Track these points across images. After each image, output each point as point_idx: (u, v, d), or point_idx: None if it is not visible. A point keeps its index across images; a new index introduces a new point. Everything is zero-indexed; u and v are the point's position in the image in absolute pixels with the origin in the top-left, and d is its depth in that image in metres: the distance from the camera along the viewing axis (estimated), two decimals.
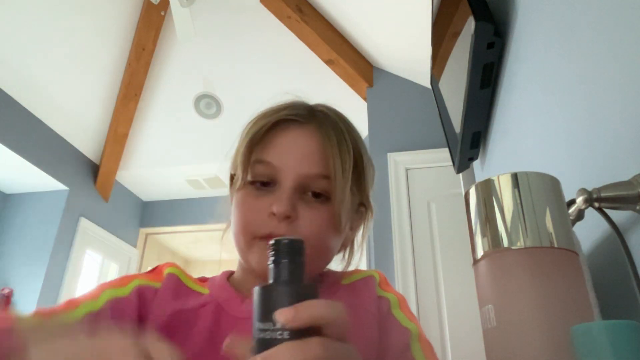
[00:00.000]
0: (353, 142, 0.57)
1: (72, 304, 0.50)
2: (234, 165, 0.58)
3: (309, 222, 0.52)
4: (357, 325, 0.50)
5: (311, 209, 0.52)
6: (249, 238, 0.52)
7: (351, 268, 0.62)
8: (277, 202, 0.51)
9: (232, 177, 0.59)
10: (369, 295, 0.56)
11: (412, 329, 0.53)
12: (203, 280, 0.60)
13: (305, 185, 0.53)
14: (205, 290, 0.57)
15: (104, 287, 0.53)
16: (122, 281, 0.55)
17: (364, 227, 0.63)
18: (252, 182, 0.54)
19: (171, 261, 0.62)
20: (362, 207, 0.61)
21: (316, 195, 0.53)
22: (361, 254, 0.64)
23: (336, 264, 0.62)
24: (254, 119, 0.58)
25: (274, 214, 0.51)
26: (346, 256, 0.63)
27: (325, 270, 0.62)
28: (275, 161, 0.53)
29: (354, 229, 0.62)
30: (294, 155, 0.54)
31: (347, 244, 0.62)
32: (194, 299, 0.55)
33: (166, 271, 0.58)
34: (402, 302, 0.57)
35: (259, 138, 0.55)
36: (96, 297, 0.51)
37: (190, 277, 0.59)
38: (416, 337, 0.53)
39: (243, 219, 0.53)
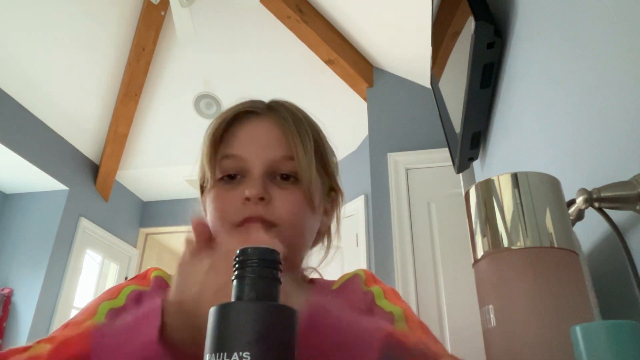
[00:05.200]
0: (312, 127, 0.60)
1: (75, 325, 0.49)
2: (202, 170, 0.59)
3: (283, 201, 0.54)
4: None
5: (283, 189, 0.55)
6: (228, 228, 0.53)
7: (330, 253, 0.65)
8: (250, 187, 0.53)
9: (202, 188, 0.61)
10: (355, 293, 0.58)
11: (396, 312, 0.53)
12: None
13: (273, 170, 0.55)
14: None
15: (99, 302, 0.53)
16: (114, 293, 0.55)
17: (337, 212, 0.65)
18: (221, 178, 0.56)
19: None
20: (332, 191, 0.64)
21: (285, 177, 0.55)
22: (338, 239, 0.66)
23: (316, 253, 0.64)
24: (212, 122, 0.60)
25: (248, 199, 0.52)
26: (325, 243, 0.65)
27: (316, 278, 0.63)
28: (241, 153, 0.56)
29: (328, 214, 0.64)
30: (257, 144, 0.56)
31: (323, 230, 0.64)
32: None
33: (152, 274, 0.59)
34: (388, 292, 0.58)
35: (220, 135, 0.57)
36: (95, 313, 0.51)
37: None
38: (401, 318, 0.52)
39: (219, 212, 0.55)
